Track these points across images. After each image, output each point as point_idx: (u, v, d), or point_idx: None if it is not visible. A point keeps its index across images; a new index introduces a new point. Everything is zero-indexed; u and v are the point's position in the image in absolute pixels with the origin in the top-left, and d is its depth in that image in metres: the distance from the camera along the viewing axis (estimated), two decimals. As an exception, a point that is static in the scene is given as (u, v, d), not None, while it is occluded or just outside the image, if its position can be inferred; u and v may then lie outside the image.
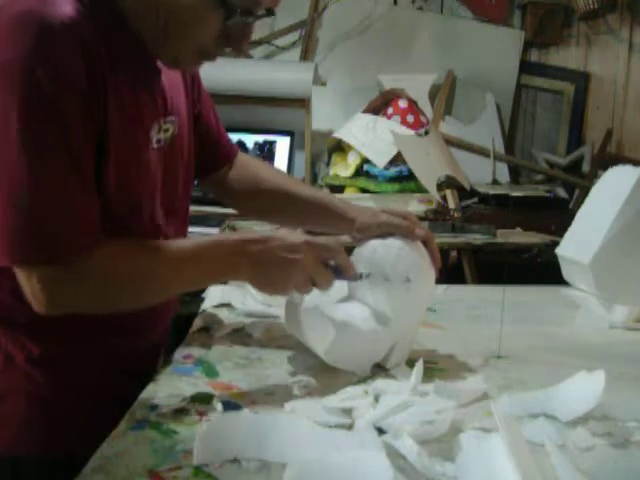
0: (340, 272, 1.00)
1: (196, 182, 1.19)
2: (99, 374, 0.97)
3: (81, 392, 0.95)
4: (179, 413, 0.87)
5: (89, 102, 0.82)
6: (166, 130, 0.98)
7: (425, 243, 1.08)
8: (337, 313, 1.00)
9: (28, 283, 0.82)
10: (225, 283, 1.33)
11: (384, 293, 1.02)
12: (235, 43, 0.91)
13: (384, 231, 1.07)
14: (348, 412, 0.87)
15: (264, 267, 0.93)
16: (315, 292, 0.99)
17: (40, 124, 0.78)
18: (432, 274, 1.08)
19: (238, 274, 0.95)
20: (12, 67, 0.77)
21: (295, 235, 0.96)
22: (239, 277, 0.96)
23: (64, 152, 0.80)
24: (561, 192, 3.09)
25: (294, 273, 0.93)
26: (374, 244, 1.06)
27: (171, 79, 1.02)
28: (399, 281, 1.02)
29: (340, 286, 1.05)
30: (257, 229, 2.34)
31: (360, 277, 1.02)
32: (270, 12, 0.91)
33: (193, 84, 1.12)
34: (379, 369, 1.03)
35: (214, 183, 1.24)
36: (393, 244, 1.05)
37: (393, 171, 2.70)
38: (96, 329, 0.94)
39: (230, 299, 1.35)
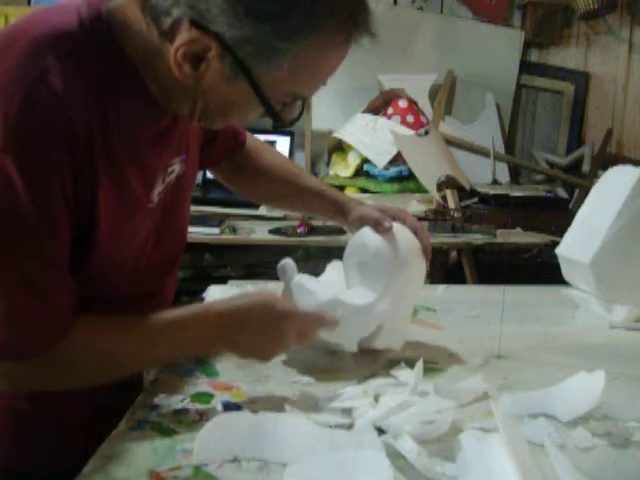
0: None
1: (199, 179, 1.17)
2: (86, 387, 0.94)
3: (68, 405, 0.92)
4: (179, 413, 0.87)
5: (70, 188, 0.76)
6: (170, 172, 0.92)
7: (415, 233, 1.11)
8: (324, 289, 1.03)
9: None
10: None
11: (371, 273, 1.07)
12: (286, 119, 0.94)
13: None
14: (348, 412, 0.87)
15: (242, 341, 0.90)
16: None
17: (6, 216, 0.73)
18: (421, 260, 1.11)
19: (216, 348, 0.96)
20: None
21: (273, 304, 0.92)
22: (218, 350, 0.98)
23: (32, 243, 0.75)
24: (561, 192, 3.09)
25: (273, 349, 0.93)
26: (364, 230, 1.11)
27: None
28: (387, 262, 1.06)
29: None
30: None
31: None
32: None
33: None
34: (380, 370, 1.03)
35: (219, 171, 1.24)
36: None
37: (393, 171, 2.70)
38: None
39: (230, 299, 1.34)
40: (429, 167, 2.67)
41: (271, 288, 1.40)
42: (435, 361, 1.07)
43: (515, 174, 3.29)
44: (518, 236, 2.60)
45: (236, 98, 0.81)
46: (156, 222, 0.93)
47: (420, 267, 1.11)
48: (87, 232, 0.80)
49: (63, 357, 0.80)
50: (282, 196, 1.25)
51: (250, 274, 2.76)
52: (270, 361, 0.95)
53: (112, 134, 0.79)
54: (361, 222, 1.11)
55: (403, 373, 1.00)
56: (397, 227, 1.10)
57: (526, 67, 3.31)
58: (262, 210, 2.61)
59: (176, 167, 0.93)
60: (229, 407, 0.89)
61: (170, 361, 0.99)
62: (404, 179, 2.71)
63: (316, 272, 1.14)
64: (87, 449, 0.77)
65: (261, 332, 0.89)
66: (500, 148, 3.23)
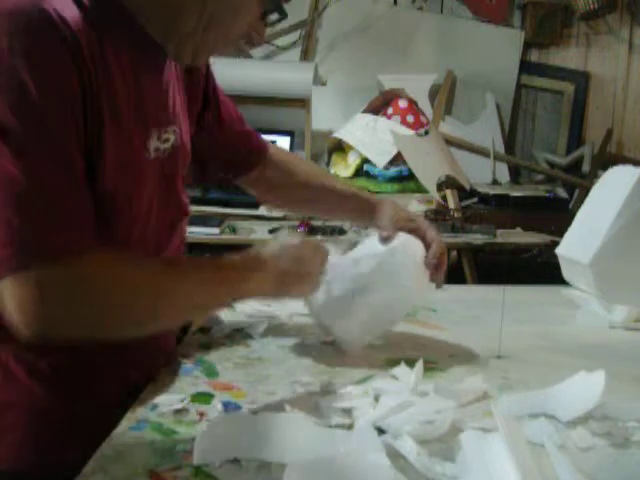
0: None
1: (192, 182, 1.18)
2: (101, 385, 0.95)
3: (83, 404, 0.92)
4: (179, 413, 0.87)
5: (79, 105, 0.79)
6: (166, 140, 0.95)
7: (429, 245, 1.15)
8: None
9: (15, 295, 0.75)
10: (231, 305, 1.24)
11: (369, 272, 1.08)
12: (257, 39, 0.95)
13: (400, 228, 1.15)
14: (348, 412, 0.87)
15: (276, 270, 0.94)
16: None
17: (29, 127, 0.75)
18: (423, 277, 1.13)
19: (250, 284, 0.93)
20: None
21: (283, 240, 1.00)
22: (252, 286, 0.93)
23: (55, 155, 0.77)
24: (561, 192, 3.09)
25: (313, 263, 0.99)
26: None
27: (174, 87, 0.99)
28: (387, 271, 1.08)
29: None
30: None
31: None
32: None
33: (207, 89, 1.11)
34: (380, 370, 1.03)
35: (248, 182, 1.26)
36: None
37: (393, 171, 2.70)
38: (99, 342, 0.93)
39: (230, 299, 1.35)
40: (429, 167, 2.67)
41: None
42: (435, 361, 1.07)
43: (515, 174, 3.29)
44: (518, 236, 2.60)
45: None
46: (157, 183, 0.95)
47: (420, 284, 1.14)
48: (94, 162, 0.82)
49: (84, 268, 0.77)
50: (313, 199, 1.29)
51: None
52: (316, 287, 1.02)
53: (114, 73, 0.83)
54: (396, 225, 1.16)
55: (403, 373, 1.00)
56: (406, 242, 1.11)
57: (526, 67, 3.31)
58: (262, 210, 2.61)
59: (170, 136, 0.96)
60: (229, 407, 0.89)
61: (201, 304, 0.91)
62: (404, 179, 2.71)
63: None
64: (87, 449, 0.77)
65: (295, 259, 0.96)
66: (500, 148, 3.23)
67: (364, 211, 1.24)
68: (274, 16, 0.94)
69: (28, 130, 0.76)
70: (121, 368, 0.96)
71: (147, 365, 1.00)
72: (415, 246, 1.13)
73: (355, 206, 1.27)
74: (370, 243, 1.14)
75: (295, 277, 0.97)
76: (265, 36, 1.02)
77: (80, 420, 0.90)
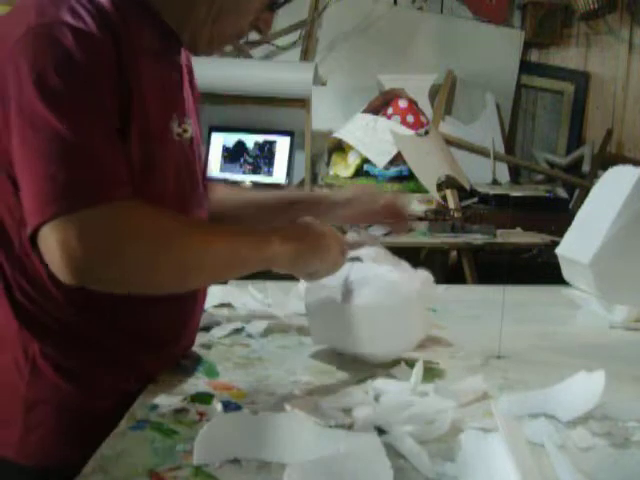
0: None
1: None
2: (124, 381, 0.95)
3: (106, 400, 0.93)
4: (179, 413, 0.87)
5: (114, 73, 0.83)
6: (185, 130, 0.97)
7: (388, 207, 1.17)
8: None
9: (60, 238, 0.77)
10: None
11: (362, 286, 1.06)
12: (264, 28, 0.97)
13: (353, 207, 1.17)
14: (348, 412, 0.87)
15: (302, 241, 0.96)
16: None
17: (72, 87, 0.79)
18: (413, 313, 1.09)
19: (278, 248, 0.93)
20: (43, 30, 0.79)
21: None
22: (278, 250, 0.93)
23: (96, 114, 0.81)
24: (561, 192, 3.09)
25: (326, 238, 0.98)
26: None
27: (186, 84, 1.01)
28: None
29: None
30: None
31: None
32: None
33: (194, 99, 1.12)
34: (380, 370, 1.03)
35: None
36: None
37: (393, 171, 2.71)
38: (123, 339, 0.93)
39: (230, 299, 1.35)
40: (429, 167, 2.67)
41: (270, 287, 1.40)
42: (435, 361, 1.07)
43: (515, 174, 3.29)
44: (518, 236, 2.60)
45: None
46: (183, 167, 0.98)
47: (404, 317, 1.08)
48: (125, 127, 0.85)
49: (125, 212, 0.80)
50: (248, 216, 1.23)
51: (250, 274, 2.76)
52: (329, 271, 1.00)
53: (137, 52, 0.86)
54: (347, 204, 1.18)
55: (403, 373, 1.00)
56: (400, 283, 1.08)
57: (526, 67, 3.31)
58: (262, 210, 2.61)
59: (188, 128, 0.98)
60: (229, 407, 0.89)
61: (227, 264, 0.92)
62: (404, 179, 2.71)
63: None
64: (86, 450, 0.77)
65: (307, 234, 0.97)
66: (500, 148, 3.23)
67: (309, 208, 1.20)
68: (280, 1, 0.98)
69: (71, 90, 0.79)
70: (142, 363, 0.97)
71: (164, 362, 1.01)
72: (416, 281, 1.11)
73: (299, 207, 1.21)
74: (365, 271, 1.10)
75: (311, 253, 0.97)
76: (264, 37, 1.06)
77: (101, 416, 0.89)
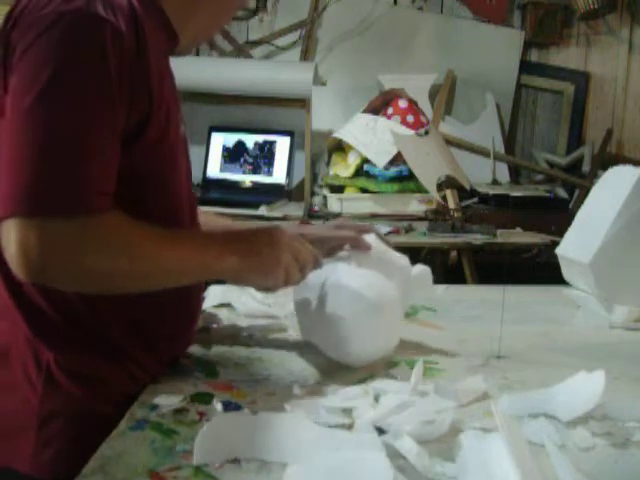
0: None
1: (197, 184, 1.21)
2: (133, 383, 0.95)
3: (115, 402, 0.92)
4: (179, 413, 0.87)
5: (135, 69, 0.83)
6: (183, 130, 0.99)
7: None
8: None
9: (18, 239, 0.77)
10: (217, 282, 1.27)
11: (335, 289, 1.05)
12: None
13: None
14: (348, 412, 0.87)
15: (253, 255, 0.94)
16: None
17: (82, 77, 0.79)
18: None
19: (226, 262, 0.93)
20: (73, 18, 0.79)
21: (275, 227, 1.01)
22: (226, 265, 0.94)
23: (94, 115, 0.80)
24: (561, 192, 3.09)
25: (282, 255, 0.96)
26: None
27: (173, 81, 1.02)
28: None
29: None
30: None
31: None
32: None
33: None
34: (380, 370, 1.03)
35: None
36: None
37: (393, 171, 2.70)
38: (125, 339, 0.93)
39: (230, 299, 1.35)
40: (429, 167, 2.67)
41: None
42: (435, 361, 1.07)
43: (515, 174, 3.29)
44: (518, 236, 2.59)
45: None
46: (185, 164, 1.00)
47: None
48: (143, 125, 0.86)
49: (100, 225, 0.81)
50: None
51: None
52: (280, 285, 0.98)
53: (154, 54, 0.87)
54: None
55: (403, 373, 1.00)
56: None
57: (526, 67, 3.31)
58: (262, 210, 2.61)
59: (182, 124, 0.99)
60: (229, 407, 0.89)
61: (186, 272, 0.93)
62: (404, 179, 2.71)
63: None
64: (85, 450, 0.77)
65: (266, 245, 0.96)
66: (500, 148, 3.23)
67: None
68: None
69: (85, 87, 0.79)
70: (149, 361, 0.97)
71: (166, 362, 1.01)
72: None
73: None
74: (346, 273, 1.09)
75: (251, 272, 0.95)
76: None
77: (109, 420, 0.88)
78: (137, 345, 0.94)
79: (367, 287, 1.03)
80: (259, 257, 0.95)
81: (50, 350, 0.89)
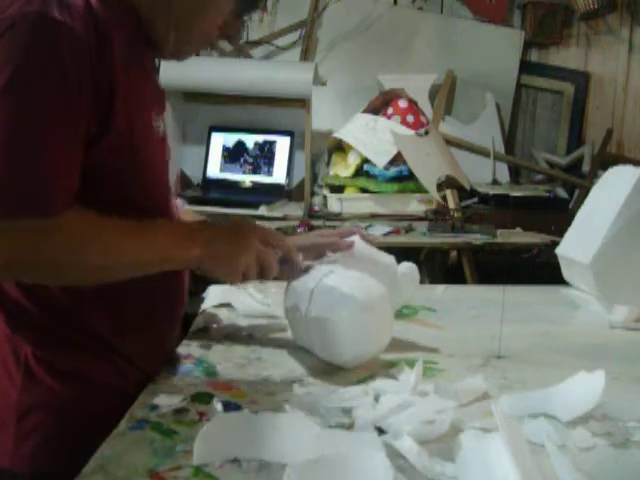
0: (285, 262, 1.06)
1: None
2: (120, 378, 0.95)
3: (103, 399, 0.93)
4: (179, 413, 0.87)
5: (95, 69, 0.83)
6: (158, 127, 0.99)
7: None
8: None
9: None
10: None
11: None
12: (235, 35, 0.99)
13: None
14: (348, 412, 0.87)
15: (215, 247, 0.95)
16: None
17: (38, 78, 0.79)
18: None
19: (188, 252, 0.94)
20: (26, 20, 0.79)
21: (244, 221, 1.02)
22: (189, 256, 0.94)
23: (56, 115, 0.80)
24: (561, 192, 3.09)
25: (243, 253, 0.97)
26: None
27: (156, 84, 1.03)
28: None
29: None
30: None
31: (306, 270, 1.09)
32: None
33: None
34: (380, 370, 1.03)
35: None
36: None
37: (393, 171, 2.70)
38: (110, 332, 0.94)
39: (230, 299, 1.35)
40: (429, 167, 2.67)
41: (270, 287, 1.40)
42: (435, 361, 1.07)
43: (515, 174, 3.29)
44: (518, 236, 2.59)
45: None
46: (164, 162, 1.01)
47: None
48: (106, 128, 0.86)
49: (63, 222, 0.82)
50: None
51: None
52: (238, 280, 0.99)
53: (120, 52, 0.86)
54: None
55: (403, 373, 1.00)
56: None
57: (526, 67, 3.31)
58: (262, 210, 2.61)
59: (160, 124, 0.99)
60: (229, 407, 0.89)
61: (148, 263, 0.93)
62: (404, 179, 2.71)
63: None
64: (83, 451, 0.77)
65: (230, 239, 0.97)
66: (500, 148, 3.23)
67: None
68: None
69: (43, 89, 0.79)
70: (133, 355, 0.97)
71: (152, 351, 1.01)
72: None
73: None
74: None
75: (220, 255, 0.96)
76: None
77: (97, 416, 0.89)
78: (122, 339, 0.94)
79: (355, 288, 1.03)
80: (221, 248, 0.95)
81: (28, 344, 0.90)
